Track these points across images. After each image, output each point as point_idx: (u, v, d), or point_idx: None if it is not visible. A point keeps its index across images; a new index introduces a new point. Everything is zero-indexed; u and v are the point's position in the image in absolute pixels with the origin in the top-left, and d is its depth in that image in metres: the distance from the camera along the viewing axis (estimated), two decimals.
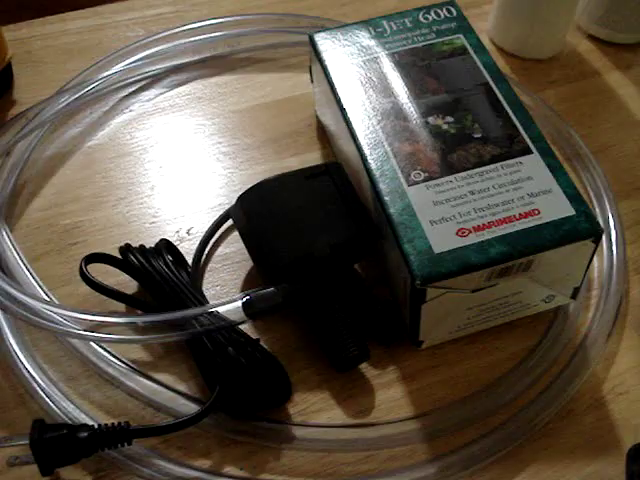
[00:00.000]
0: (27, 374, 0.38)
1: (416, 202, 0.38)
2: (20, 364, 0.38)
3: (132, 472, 0.35)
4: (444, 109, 0.42)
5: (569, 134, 0.51)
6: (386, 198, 0.38)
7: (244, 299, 0.37)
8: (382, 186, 0.38)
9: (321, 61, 0.45)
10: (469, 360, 0.40)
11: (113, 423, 0.35)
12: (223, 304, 0.37)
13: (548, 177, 0.38)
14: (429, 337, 0.40)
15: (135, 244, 0.42)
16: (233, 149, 0.50)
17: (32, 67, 0.53)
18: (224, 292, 0.42)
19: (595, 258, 0.45)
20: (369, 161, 0.40)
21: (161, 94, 0.52)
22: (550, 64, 0.58)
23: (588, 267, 0.39)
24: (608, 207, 0.47)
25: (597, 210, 0.47)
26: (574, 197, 0.37)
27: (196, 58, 0.53)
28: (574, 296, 0.41)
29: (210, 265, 0.43)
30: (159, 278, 0.39)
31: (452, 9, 0.47)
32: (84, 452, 0.34)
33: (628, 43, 0.60)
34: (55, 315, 0.37)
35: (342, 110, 0.42)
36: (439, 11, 0.47)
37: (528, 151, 0.39)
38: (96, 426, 0.35)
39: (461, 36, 0.45)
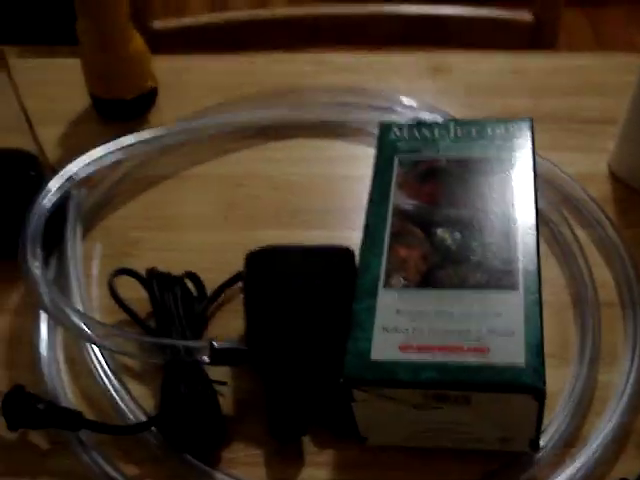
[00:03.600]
0: None
1: (381, 305, 0.39)
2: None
3: (76, 456, 0.41)
4: (458, 224, 0.42)
5: (635, 279, 0.48)
6: (357, 292, 0.40)
7: (212, 343, 0.41)
8: (361, 279, 0.40)
9: (378, 148, 0.47)
10: (406, 472, 0.41)
11: (70, 409, 0.41)
12: (193, 342, 0.42)
13: (518, 319, 0.37)
14: (372, 436, 0.40)
15: (178, 270, 0.47)
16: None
17: (176, 95, 0.61)
18: (222, 333, 0.46)
19: (595, 418, 0.42)
20: (364, 251, 0.42)
21: (265, 144, 0.58)
22: None
23: (539, 423, 0.37)
24: (635, 367, 0.43)
25: (625, 366, 0.44)
26: (533, 347, 0.36)
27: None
28: (533, 447, 0.39)
29: (229, 305, 0.48)
30: (160, 304, 0.45)
31: (524, 127, 0.47)
32: (41, 423, 0.41)
33: None
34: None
35: (369, 197, 0.44)
36: (510, 127, 0.47)
37: (514, 287, 0.39)
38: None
39: (515, 155, 0.45)
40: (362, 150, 0.57)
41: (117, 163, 0.54)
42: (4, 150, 0.50)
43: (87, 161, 0.52)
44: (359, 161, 0.56)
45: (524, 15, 0.78)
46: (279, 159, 0.57)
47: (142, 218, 0.53)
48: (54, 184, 0.50)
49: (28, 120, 0.49)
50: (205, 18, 0.84)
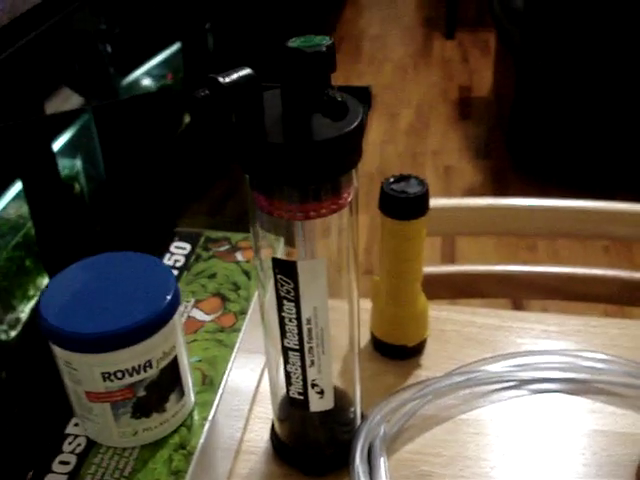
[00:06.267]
0: None
1: None
2: None
3: None
4: None
5: None
6: None
7: None
8: None
9: None
10: None
11: None
12: None
13: None
14: None
15: None
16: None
17: (441, 343, 0.74)
18: None
19: None
20: None
21: (519, 397, 0.69)
22: None
23: None
24: None
25: None
26: None
27: (560, 376, 0.69)
28: None
29: None
30: None
31: None
32: None
33: None
34: None
35: None
36: None
37: None
38: None
39: None
40: (599, 404, 0.67)
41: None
42: None
43: (391, 405, 0.64)
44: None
45: None
46: (532, 410, 0.68)
47: (429, 454, 0.64)
48: (367, 423, 0.62)
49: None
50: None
